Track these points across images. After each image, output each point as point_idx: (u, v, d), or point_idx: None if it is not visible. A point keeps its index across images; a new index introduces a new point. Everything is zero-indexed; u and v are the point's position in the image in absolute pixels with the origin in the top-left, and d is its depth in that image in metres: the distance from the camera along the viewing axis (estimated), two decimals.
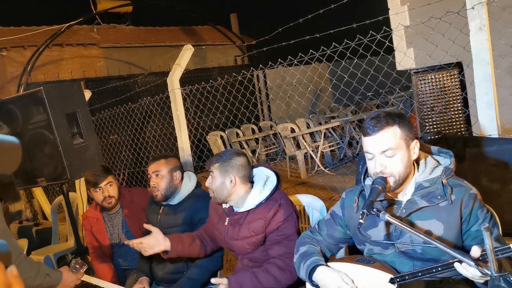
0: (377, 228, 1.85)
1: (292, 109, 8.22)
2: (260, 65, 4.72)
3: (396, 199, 1.82)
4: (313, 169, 7.10)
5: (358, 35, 3.73)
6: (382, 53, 3.70)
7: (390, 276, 1.71)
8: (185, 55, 4.76)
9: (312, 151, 7.17)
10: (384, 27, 3.68)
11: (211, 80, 5.34)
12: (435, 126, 5.58)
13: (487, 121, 2.89)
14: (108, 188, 3.16)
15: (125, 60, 11.32)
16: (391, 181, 1.73)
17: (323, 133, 7.28)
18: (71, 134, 3.52)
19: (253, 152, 8.63)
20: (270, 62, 4.39)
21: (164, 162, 2.80)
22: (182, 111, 4.55)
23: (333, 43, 3.95)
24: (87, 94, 5.43)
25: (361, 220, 1.63)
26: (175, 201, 2.80)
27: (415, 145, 1.77)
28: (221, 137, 8.49)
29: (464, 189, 1.74)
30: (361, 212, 1.65)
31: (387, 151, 1.71)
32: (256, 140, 8.83)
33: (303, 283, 2.07)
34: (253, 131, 9.31)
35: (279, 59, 4.30)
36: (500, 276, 1.24)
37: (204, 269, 2.62)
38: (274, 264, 2.18)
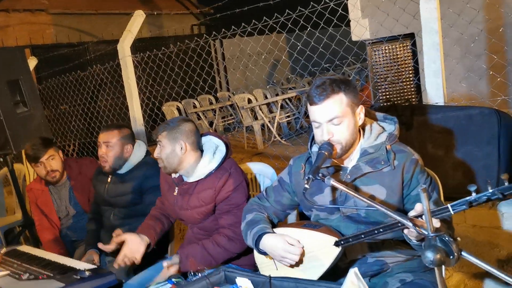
0: (323, 193, 1.87)
1: (250, 79, 8.18)
2: (214, 33, 4.61)
3: (342, 165, 1.84)
4: (269, 139, 7.12)
5: (311, 3, 3.69)
6: (335, 21, 3.69)
7: (335, 239, 1.74)
8: (136, 21, 4.59)
9: (269, 121, 7.18)
10: None
11: (163, 48, 5.19)
12: (387, 95, 5.68)
13: (434, 90, 2.96)
14: (50, 162, 3.03)
15: (76, 27, 10.84)
16: (338, 148, 1.74)
17: (279, 104, 7.28)
18: (14, 103, 3.35)
19: (211, 123, 8.55)
20: (226, 31, 4.30)
21: (117, 132, 2.71)
22: (133, 80, 4.43)
23: (287, 10, 3.90)
24: (32, 61, 5.17)
25: (306, 185, 1.63)
26: (123, 170, 2.73)
27: (361, 110, 1.78)
28: (177, 108, 8.35)
29: (406, 155, 1.77)
30: (306, 178, 1.65)
31: (333, 119, 1.72)
32: (214, 111, 8.74)
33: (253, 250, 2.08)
34: (211, 102, 9.21)
35: (236, 28, 4.22)
36: (436, 236, 1.26)
37: None
38: (223, 234, 2.18)
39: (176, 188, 2.32)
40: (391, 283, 1.76)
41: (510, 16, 4.43)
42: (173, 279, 2.00)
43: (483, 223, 2.60)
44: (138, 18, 4.55)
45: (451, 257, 1.23)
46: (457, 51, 4.07)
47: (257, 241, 1.89)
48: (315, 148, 1.89)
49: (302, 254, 1.80)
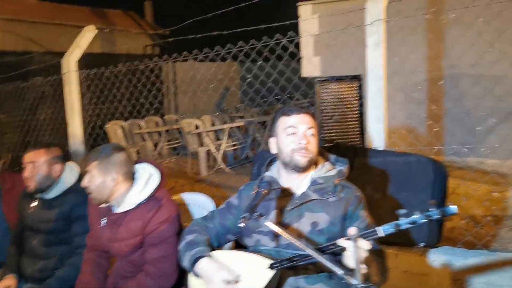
0: (269, 216, 1.87)
1: (199, 105, 8.12)
2: (166, 55, 4.55)
3: (291, 191, 1.91)
4: (213, 167, 7.05)
5: (266, 36, 3.72)
6: (287, 56, 3.73)
7: (270, 261, 1.73)
8: (86, 36, 4.45)
9: (215, 149, 7.12)
10: (294, 32, 3.72)
11: (112, 65, 5.06)
12: (333, 134, 5.80)
13: (375, 134, 3.03)
14: None
15: (25, 35, 10.40)
16: (307, 158, 1.86)
17: (226, 132, 7.25)
18: None
19: (155, 145, 8.36)
20: (179, 55, 4.25)
21: (44, 152, 2.55)
22: (76, 95, 4.25)
23: (241, 42, 3.92)
24: None
25: (241, 224, 1.66)
26: (51, 194, 2.56)
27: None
28: (122, 127, 8.11)
29: (352, 191, 1.90)
30: (242, 217, 1.67)
31: (311, 128, 1.88)
32: (159, 133, 8.57)
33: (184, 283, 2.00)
34: (157, 124, 9.03)
35: (189, 53, 4.19)
36: (364, 287, 1.25)
37: (76, 268, 2.42)
38: (147, 272, 2.07)
39: (104, 218, 2.19)
40: None
41: (449, 68, 4.69)
42: None
43: (414, 269, 2.64)
44: (89, 33, 4.41)
45: None
46: (400, 97, 4.23)
47: (194, 263, 1.84)
48: (269, 173, 1.99)
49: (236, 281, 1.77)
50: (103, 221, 2.18)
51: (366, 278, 1.59)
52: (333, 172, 1.92)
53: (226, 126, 7.43)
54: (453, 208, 1.40)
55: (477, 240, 2.83)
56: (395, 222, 1.46)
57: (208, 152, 7.17)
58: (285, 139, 1.89)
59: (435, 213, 1.41)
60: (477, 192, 3.46)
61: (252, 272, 1.75)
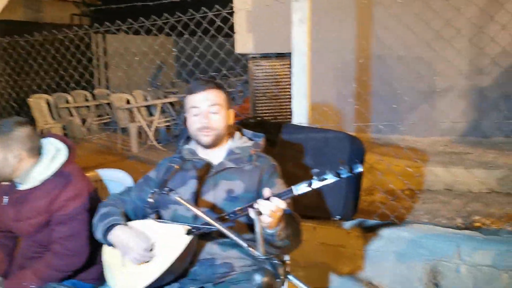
0: (186, 186, 1.88)
1: (132, 80, 7.87)
2: (96, 25, 4.33)
3: (208, 161, 1.93)
4: (146, 143, 6.90)
5: (203, 8, 3.61)
6: (226, 31, 3.67)
7: (187, 227, 1.73)
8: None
9: (147, 125, 6.95)
10: (229, 5, 3.65)
11: (35, 33, 4.76)
12: (266, 112, 5.83)
13: (299, 109, 3.07)
14: None
15: None
16: (212, 135, 1.87)
17: (159, 108, 7.10)
18: None
19: (84, 121, 8.03)
20: (111, 26, 4.06)
21: None
22: None
23: (177, 13, 3.79)
24: None
25: (149, 199, 1.68)
26: None
27: (232, 113, 1.98)
28: (47, 101, 7.71)
29: (267, 160, 1.98)
30: (151, 192, 1.67)
31: (215, 105, 1.87)
32: (88, 108, 8.24)
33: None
34: (86, 99, 8.67)
35: (121, 24, 4.00)
36: (266, 259, 1.27)
37: None
38: (55, 251, 1.98)
39: (6, 197, 2.06)
40: None
41: (376, 48, 4.83)
42: None
43: (331, 241, 2.74)
44: None
45: (278, 280, 1.26)
46: (329, 76, 4.31)
47: (108, 230, 1.80)
48: (187, 146, 1.99)
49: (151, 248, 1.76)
50: (5, 199, 2.06)
51: (279, 240, 1.64)
52: (250, 143, 1.98)
53: (158, 101, 7.27)
54: (359, 166, 1.49)
55: (392, 213, 2.97)
56: (308, 180, 1.54)
57: (140, 129, 7.00)
58: (190, 118, 1.92)
59: (344, 171, 1.49)
60: (396, 168, 3.62)
61: (169, 239, 1.74)
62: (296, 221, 1.88)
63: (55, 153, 2.04)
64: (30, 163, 2.01)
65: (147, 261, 1.76)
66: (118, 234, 1.79)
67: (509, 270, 2.35)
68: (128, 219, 1.93)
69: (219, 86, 1.93)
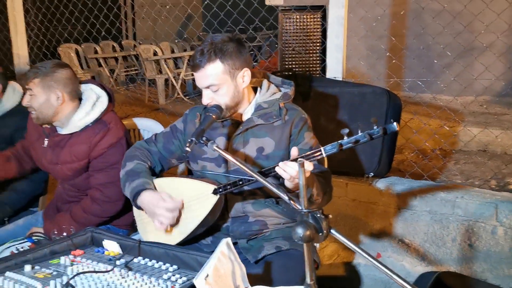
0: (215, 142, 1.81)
1: (160, 31, 7.76)
2: None
3: (238, 120, 1.86)
4: (172, 95, 6.89)
5: None
6: None
7: (214, 187, 1.72)
8: None
9: (174, 77, 6.91)
10: None
11: None
12: (293, 65, 5.71)
13: (334, 64, 2.99)
14: None
15: None
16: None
17: (186, 60, 7.02)
18: None
19: (112, 71, 8.03)
20: None
21: None
22: (20, 12, 3.94)
23: None
24: None
25: (187, 148, 1.61)
26: None
27: (244, 73, 1.79)
28: (76, 51, 7.70)
29: (297, 112, 1.86)
30: (189, 140, 1.61)
31: (210, 86, 1.75)
32: (116, 59, 8.21)
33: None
34: (114, 49, 8.63)
35: None
36: (308, 212, 1.24)
37: (21, 194, 2.35)
38: (93, 197, 2.02)
39: (46, 139, 2.08)
40: (267, 248, 1.78)
41: (412, 2, 4.61)
42: (34, 238, 1.83)
43: (362, 198, 2.72)
44: None
45: (320, 234, 1.23)
46: (361, 30, 4.15)
47: (135, 196, 1.79)
48: None
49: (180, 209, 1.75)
50: (46, 142, 2.08)
51: (311, 202, 1.61)
52: (278, 95, 1.86)
53: (185, 54, 7.19)
54: (394, 125, 1.37)
55: (425, 172, 2.92)
56: (338, 141, 1.45)
57: (167, 81, 6.97)
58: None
59: (377, 131, 1.39)
60: (429, 127, 3.53)
61: (197, 199, 1.73)
62: (327, 178, 1.81)
63: (96, 99, 2.04)
64: (71, 107, 2.02)
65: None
66: (145, 200, 1.77)
67: None
68: (153, 172, 1.93)
69: (216, 57, 1.72)
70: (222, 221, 1.82)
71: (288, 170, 1.51)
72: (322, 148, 1.50)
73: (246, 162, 1.78)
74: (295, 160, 1.50)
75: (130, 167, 1.86)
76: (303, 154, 1.53)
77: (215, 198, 1.71)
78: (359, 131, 1.41)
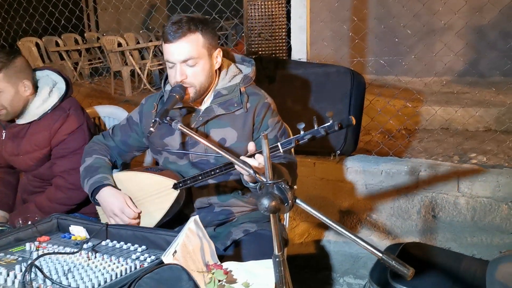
0: (173, 136, 1.79)
1: (125, 21, 7.60)
2: None
3: (195, 107, 1.78)
4: (139, 87, 6.79)
5: None
6: None
7: (174, 181, 1.70)
8: None
9: (140, 68, 6.81)
10: None
11: None
12: (260, 51, 5.71)
13: (298, 45, 3.01)
14: None
15: None
16: (191, 92, 1.69)
17: (152, 51, 6.93)
18: None
19: (75, 64, 7.84)
20: None
21: None
22: None
23: None
24: None
25: (151, 129, 1.56)
26: None
27: (218, 54, 1.73)
28: (37, 44, 7.48)
29: (259, 97, 1.77)
30: (153, 120, 1.57)
31: (188, 60, 1.64)
32: (79, 52, 8.02)
33: None
34: (77, 42, 8.42)
35: None
36: (273, 183, 1.25)
37: None
38: (56, 185, 1.98)
39: (4, 131, 2.02)
40: (235, 233, 1.77)
41: None
42: None
43: (330, 176, 2.76)
44: None
45: (286, 204, 1.24)
46: (324, 13, 4.19)
47: (94, 192, 1.76)
48: (168, 87, 1.79)
49: (143, 196, 1.74)
50: (3, 133, 2.02)
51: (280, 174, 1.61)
52: (238, 78, 1.77)
53: (151, 44, 7.08)
54: (350, 119, 1.36)
55: (391, 150, 2.98)
56: (295, 136, 1.42)
57: (133, 72, 6.86)
58: (168, 69, 1.71)
59: (333, 125, 1.36)
60: (393, 107, 3.61)
61: (158, 193, 1.72)
62: (292, 168, 1.77)
63: (52, 86, 1.99)
64: (29, 96, 1.96)
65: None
66: (104, 197, 1.74)
67: (509, 201, 2.38)
68: (114, 165, 1.90)
69: (196, 29, 1.63)
70: (188, 210, 1.81)
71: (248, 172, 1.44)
72: (279, 144, 1.46)
73: (207, 155, 1.74)
74: (252, 155, 1.48)
75: (88, 163, 1.83)
76: (260, 151, 1.47)
77: (176, 192, 1.69)
78: (315, 125, 1.37)
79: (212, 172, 1.61)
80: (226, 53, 1.85)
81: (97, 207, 1.88)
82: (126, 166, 2.12)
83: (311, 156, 2.81)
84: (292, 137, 1.44)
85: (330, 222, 1.28)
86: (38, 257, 1.25)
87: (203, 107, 1.77)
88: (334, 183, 2.74)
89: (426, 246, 2.22)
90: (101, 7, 8.76)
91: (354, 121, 1.38)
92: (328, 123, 1.37)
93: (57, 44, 7.88)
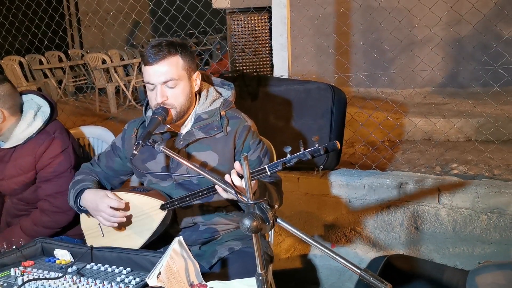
0: (155, 160, 1.83)
1: (109, 39, 7.62)
2: None
3: (177, 132, 1.82)
4: (124, 104, 6.80)
5: None
6: None
7: (161, 202, 1.72)
8: None
9: (124, 85, 6.82)
10: None
11: None
12: (245, 68, 5.76)
13: (280, 62, 3.06)
14: None
15: None
16: (172, 113, 1.72)
17: (136, 67, 6.95)
18: None
19: (59, 82, 7.82)
20: None
21: None
22: None
23: None
24: None
25: (134, 151, 1.58)
26: None
27: (197, 76, 1.78)
28: (20, 62, 7.46)
29: (239, 121, 1.81)
30: (136, 143, 1.58)
31: (169, 81, 1.68)
32: (63, 69, 8.01)
33: None
34: (60, 60, 8.41)
35: None
36: (254, 204, 1.28)
37: None
38: (42, 209, 1.98)
39: None
40: (220, 251, 1.79)
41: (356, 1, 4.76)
42: None
43: (314, 191, 2.79)
44: None
45: (267, 223, 1.27)
46: (306, 29, 4.26)
47: (77, 197, 1.78)
48: (150, 113, 1.84)
49: (129, 217, 1.74)
50: None
51: (264, 192, 1.64)
52: (218, 102, 1.81)
53: (135, 60, 7.11)
54: (335, 143, 1.41)
55: (374, 163, 3.03)
56: (282, 159, 1.44)
57: (118, 89, 6.87)
58: (148, 92, 1.75)
59: (318, 150, 1.40)
60: (376, 120, 3.67)
61: (145, 213, 1.73)
62: (278, 185, 1.82)
63: (37, 110, 2.00)
64: (12, 121, 1.97)
65: (117, 223, 1.72)
66: (87, 197, 1.75)
67: (488, 212, 2.44)
68: (103, 187, 1.91)
69: (176, 52, 1.68)
70: (173, 229, 1.83)
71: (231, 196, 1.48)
72: (266, 166, 1.49)
73: (190, 177, 1.77)
74: (241, 177, 1.50)
75: (77, 178, 1.86)
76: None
77: (163, 213, 1.71)
78: (301, 149, 1.40)
79: (200, 194, 1.64)
80: (206, 77, 1.90)
81: (82, 227, 1.88)
82: None
83: (295, 171, 2.85)
84: (279, 160, 1.47)
85: (310, 241, 1.31)
86: (23, 283, 1.26)
87: (183, 131, 1.81)
88: (318, 198, 2.77)
89: (410, 258, 2.27)
90: (84, 26, 8.77)
91: (338, 146, 1.42)
92: (314, 147, 1.41)
93: (41, 62, 7.87)
